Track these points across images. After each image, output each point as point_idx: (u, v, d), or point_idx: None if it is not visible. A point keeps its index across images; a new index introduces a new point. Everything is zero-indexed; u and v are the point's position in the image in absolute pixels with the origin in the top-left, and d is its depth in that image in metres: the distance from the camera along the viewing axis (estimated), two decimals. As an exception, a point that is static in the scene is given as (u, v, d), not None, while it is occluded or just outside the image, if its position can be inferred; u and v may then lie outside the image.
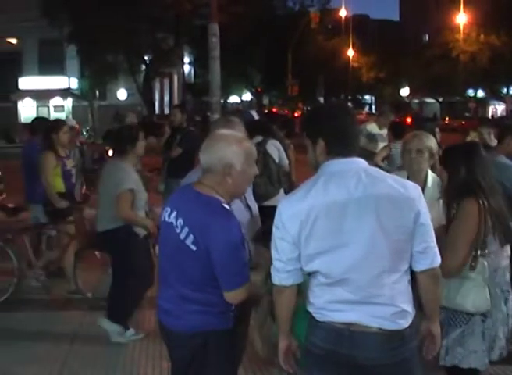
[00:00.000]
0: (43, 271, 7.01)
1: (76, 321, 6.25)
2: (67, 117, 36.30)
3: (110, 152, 11.07)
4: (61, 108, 40.42)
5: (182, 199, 3.15)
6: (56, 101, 40.50)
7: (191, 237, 2.98)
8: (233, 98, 71.12)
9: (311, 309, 2.81)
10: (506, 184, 4.49)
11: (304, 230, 2.68)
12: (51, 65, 39.68)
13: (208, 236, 2.94)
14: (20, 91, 39.59)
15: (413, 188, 2.77)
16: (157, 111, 40.02)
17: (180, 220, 3.04)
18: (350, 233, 2.66)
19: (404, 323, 2.73)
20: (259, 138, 6.80)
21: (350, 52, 67.36)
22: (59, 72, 40.12)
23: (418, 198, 2.75)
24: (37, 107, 40.20)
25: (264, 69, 53.97)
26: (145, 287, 5.71)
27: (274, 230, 2.78)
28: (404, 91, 65.79)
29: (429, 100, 64.05)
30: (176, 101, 45.06)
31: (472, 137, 7.45)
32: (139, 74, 35.58)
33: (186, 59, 47.36)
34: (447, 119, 51.68)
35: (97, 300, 6.47)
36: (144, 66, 35.49)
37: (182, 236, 3.01)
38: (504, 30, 44.36)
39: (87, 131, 34.23)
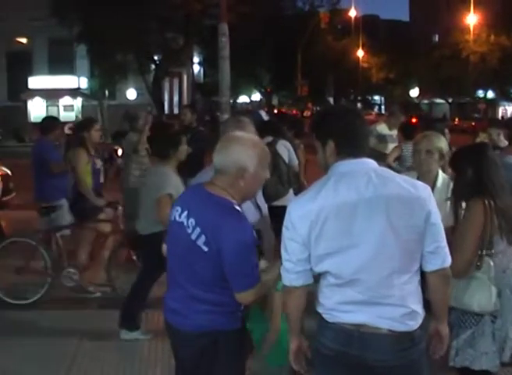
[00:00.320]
0: (75, 270, 6.95)
1: (85, 319, 6.26)
2: (76, 117, 36.60)
3: (119, 152, 11.11)
4: (70, 108, 40.46)
5: (193, 199, 3.12)
6: (66, 100, 40.53)
7: (203, 237, 2.96)
8: (243, 98, 71.27)
9: (320, 310, 2.80)
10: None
11: (313, 231, 2.67)
12: (60, 64, 39.71)
13: (219, 237, 2.92)
14: (30, 90, 39.61)
15: (423, 188, 2.76)
16: (166, 111, 40.01)
17: (192, 220, 3.01)
18: (360, 233, 2.65)
19: (414, 324, 2.72)
20: (269, 138, 6.82)
21: (360, 53, 67.35)
22: (69, 71, 40.17)
23: (429, 198, 2.74)
24: (47, 106, 40.19)
25: (273, 70, 54.06)
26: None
27: (284, 230, 2.78)
28: (414, 92, 65.63)
29: (439, 101, 63.81)
30: (185, 101, 45.04)
31: (482, 138, 7.45)
32: (148, 74, 35.56)
33: (196, 59, 47.40)
34: (457, 120, 51.63)
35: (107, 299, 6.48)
36: (153, 66, 35.46)
37: (193, 236, 2.99)
38: (514, 30, 44.30)
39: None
